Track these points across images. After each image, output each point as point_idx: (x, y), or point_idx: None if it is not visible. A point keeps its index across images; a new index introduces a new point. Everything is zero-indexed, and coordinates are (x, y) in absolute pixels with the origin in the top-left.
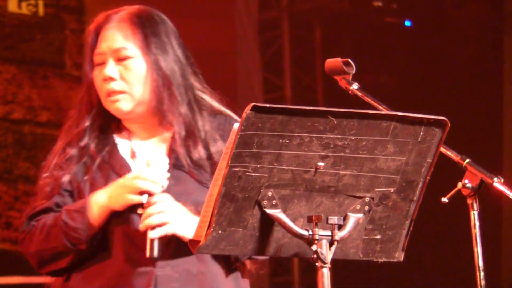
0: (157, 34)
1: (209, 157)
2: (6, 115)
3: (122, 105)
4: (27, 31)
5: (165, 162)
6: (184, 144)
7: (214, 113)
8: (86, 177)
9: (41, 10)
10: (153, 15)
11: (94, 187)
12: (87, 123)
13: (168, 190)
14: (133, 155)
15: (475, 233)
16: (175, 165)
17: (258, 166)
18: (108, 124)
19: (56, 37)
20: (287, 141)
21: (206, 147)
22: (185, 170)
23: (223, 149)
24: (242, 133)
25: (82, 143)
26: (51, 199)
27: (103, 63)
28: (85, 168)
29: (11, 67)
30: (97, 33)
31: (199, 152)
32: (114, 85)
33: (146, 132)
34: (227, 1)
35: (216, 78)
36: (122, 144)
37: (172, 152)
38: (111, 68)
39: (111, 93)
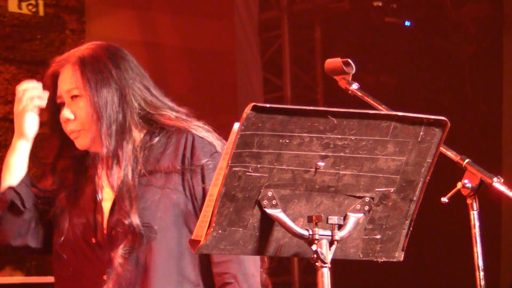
0: (94, 71)
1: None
2: (6, 115)
3: (81, 141)
4: (27, 31)
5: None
6: (108, 169)
7: (171, 129)
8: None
9: (41, 10)
10: (96, 48)
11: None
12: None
13: (109, 220)
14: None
15: (475, 233)
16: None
17: (258, 166)
18: (79, 158)
19: (56, 37)
20: (287, 141)
21: (129, 170)
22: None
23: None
24: (242, 133)
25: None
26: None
27: (63, 104)
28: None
29: (11, 67)
30: (55, 77)
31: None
32: (71, 126)
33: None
34: (227, 1)
35: (216, 78)
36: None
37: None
38: (67, 111)
39: (71, 133)
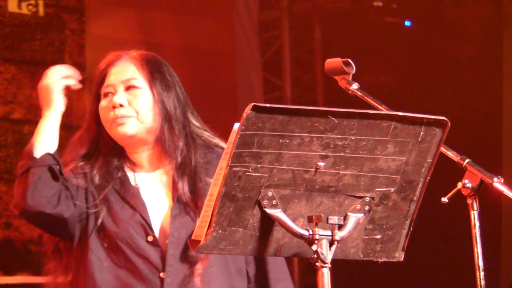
0: (162, 73)
1: (197, 189)
2: (6, 115)
3: (128, 127)
4: (27, 31)
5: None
6: (182, 176)
7: (211, 147)
8: (98, 204)
9: (41, 10)
10: (158, 58)
11: (111, 213)
12: (84, 151)
13: (173, 221)
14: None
15: (475, 233)
16: (179, 197)
17: (258, 166)
18: (113, 155)
19: (56, 37)
20: (287, 141)
21: (196, 180)
22: (185, 201)
23: (210, 181)
24: (243, 133)
25: (85, 170)
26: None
27: (110, 94)
28: (92, 196)
29: (11, 67)
30: (107, 69)
31: (197, 184)
32: (123, 111)
33: (148, 163)
34: (227, 1)
35: (216, 78)
36: (129, 174)
37: (175, 185)
38: (121, 96)
39: (118, 118)
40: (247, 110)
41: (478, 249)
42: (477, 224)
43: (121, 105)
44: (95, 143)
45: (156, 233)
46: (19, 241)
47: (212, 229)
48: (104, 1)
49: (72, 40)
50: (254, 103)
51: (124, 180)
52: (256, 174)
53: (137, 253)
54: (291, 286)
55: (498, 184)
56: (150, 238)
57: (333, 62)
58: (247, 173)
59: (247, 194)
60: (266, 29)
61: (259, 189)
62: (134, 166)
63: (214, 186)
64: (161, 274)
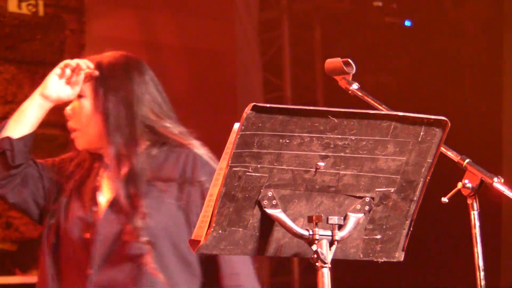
0: (107, 78)
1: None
2: (6, 115)
3: (77, 142)
4: (27, 31)
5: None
6: (117, 178)
7: (175, 146)
8: (59, 198)
9: (41, 10)
10: (117, 61)
11: (67, 208)
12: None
13: (103, 219)
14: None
15: (475, 233)
16: (114, 198)
17: (258, 166)
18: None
19: (56, 37)
20: (287, 141)
21: (136, 182)
22: (119, 203)
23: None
24: (243, 133)
25: (63, 165)
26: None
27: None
28: (57, 190)
29: (11, 67)
30: None
31: (136, 185)
32: (70, 123)
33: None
34: (227, 1)
35: (216, 78)
36: (101, 172)
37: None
38: (68, 107)
39: (69, 130)
40: (247, 110)
41: (478, 249)
42: (477, 224)
43: (68, 116)
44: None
45: (95, 231)
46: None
47: (212, 229)
48: (104, 1)
49: (72, 40)
50: (254, 103)
51: (88, 176)
52: (256, 174)
53: (74, 248)
54: (250, 280)
55: (498, 184)
56: (87, 235)
57: (333, 62)
58: (247, 173)
59: (247, 194)
60: (266, 29)
61: (259, 189)
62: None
63: (214, 186)
64: (89, 271)
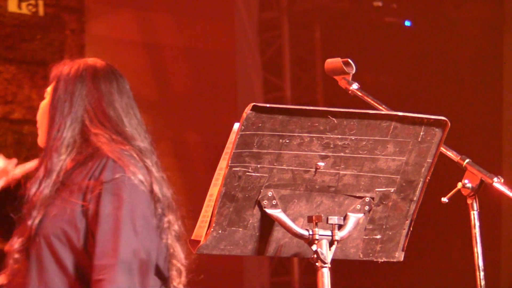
0: (66, 83)
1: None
2: (6, 115)
3: (38, 138)
4: (27, 31)
5: None
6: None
7: (94, 150)
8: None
9: (41, 10)
10: (86, 67)
11: None
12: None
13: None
14: None
15: (475, 233)
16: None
17: (258, 166)
18: None
19: (56, 37)
20: (287, 141)
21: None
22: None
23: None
24: (243, 133)
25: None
26: None
27: None
28: None
29: (11, 67)
30: None
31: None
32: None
33: None
34: (227, 1)
35: (216, 78)
36: None
37: None
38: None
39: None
40: (247, 110)
41: (478, 249)
42: (477, 224)
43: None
44: None
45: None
46: None
47: (212, 229)
48: (104, 1)
49: (72, 40)
50: (254, 103)
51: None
52: (256, 174)
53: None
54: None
55: (498, 184)
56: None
57: (333, 62)
58: (247, 173)
59: (247, 194)
60: (266, 29)
61: (259, 189)
62: None
63: (214, 186)
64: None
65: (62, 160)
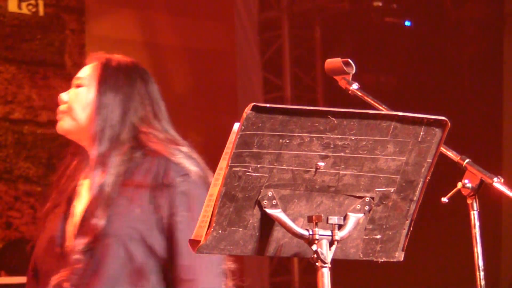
0: (115, 76)
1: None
2: (6, 115)
3: (61, 123)
4: (27, 31)
5: None
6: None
7: (148, 149)
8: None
9: (41, 10)
10: (126, 64)
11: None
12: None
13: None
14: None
15: (475, 233)
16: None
17: (258, 166)
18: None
19: (56, 37)
20: (287, 141)
21: (111, 178)
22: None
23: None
24: (243, 133)
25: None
26: None
27: None
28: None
29: (11, 67)
30: None
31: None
32: (61, 107)
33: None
34: (227, 1)
35: (216, 78)
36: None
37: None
38: (64, 93)
39: (58, 114)
40: (247, 110)
41: (478, 249)
42: (477, 224)
43: (61, 101)
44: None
45: (65, 245)
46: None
47: (212, 229)
48: (104, 1)
49: (72, 40)
50: (254, 103)
51: (68, 183)
52: (256, 174)
53: (49, 263)
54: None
55: (498, 184)
56: (57, 250)
57: (333, 62)
58: (247, 173)
59: (247, 194)
60: (266, 29)
61: (259, 189)
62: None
63: (214, 186)
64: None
65: (118, 159)
